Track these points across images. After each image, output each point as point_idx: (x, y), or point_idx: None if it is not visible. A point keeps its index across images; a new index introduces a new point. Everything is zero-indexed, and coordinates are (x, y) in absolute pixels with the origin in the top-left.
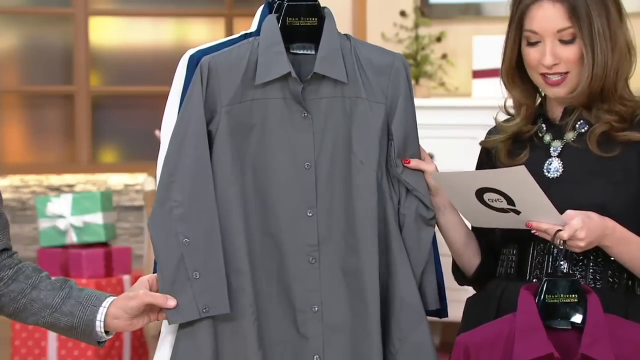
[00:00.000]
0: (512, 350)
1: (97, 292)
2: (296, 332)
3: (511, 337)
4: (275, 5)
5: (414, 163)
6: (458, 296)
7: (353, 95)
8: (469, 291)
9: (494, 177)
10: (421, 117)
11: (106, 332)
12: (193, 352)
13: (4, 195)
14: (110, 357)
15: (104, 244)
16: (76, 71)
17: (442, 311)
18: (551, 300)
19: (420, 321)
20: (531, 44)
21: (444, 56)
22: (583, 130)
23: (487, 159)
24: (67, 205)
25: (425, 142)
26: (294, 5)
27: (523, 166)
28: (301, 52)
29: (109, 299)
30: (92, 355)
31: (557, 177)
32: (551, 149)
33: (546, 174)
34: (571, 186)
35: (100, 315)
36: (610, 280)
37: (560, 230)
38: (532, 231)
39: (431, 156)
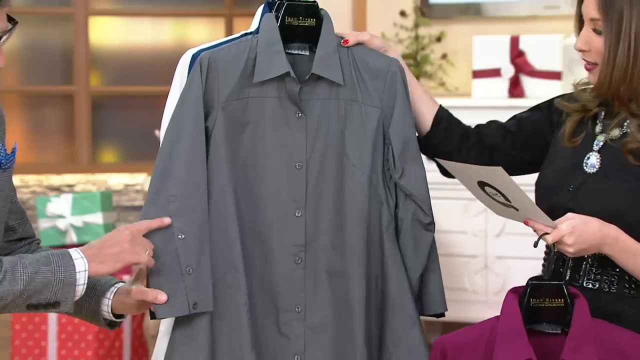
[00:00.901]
0: (493, 353)
1: (105, 278)
2: (277, 331)
3: (492, 340)
4: (275, 5)
5: (352, 38)
6: (458, 296)
7: (348, 98)
8: (469, 291)
9: (483, 173)
10: None
11: (119, 315)
12: (191, 349)
13: None
14: (110, 357)
15: None
16: (76, 71)
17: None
18: (536, 304)
19: (413, 325)
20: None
21: (444, 56)
22: (628, 131)
23: (549, 117)
24: (67, 205)
25: None
26: (293, 4)
27: (500, 167)
28: (296, 52)
29: (113, 289)
30: (92, 356)
31: (593, 172)
32: (595, 141)
33: (584, 167)
34: (599, 185)
35: (106, 307)
36: (627, 285)
37: (547, 233)
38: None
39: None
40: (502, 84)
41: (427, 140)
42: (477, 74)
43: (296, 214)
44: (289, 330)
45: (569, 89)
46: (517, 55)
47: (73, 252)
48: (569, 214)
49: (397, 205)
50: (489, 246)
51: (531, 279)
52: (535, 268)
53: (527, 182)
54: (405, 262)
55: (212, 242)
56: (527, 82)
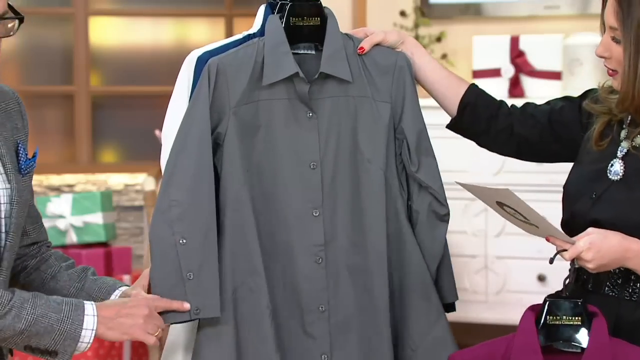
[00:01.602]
0: None
1: (110, 282)
2: (303, 332)
3: (507, 357)
4: (278, 6)
5: (366, 45)
6: (459, 296)
7: (358, 95)
8: (469, 291)
9: (496, 194)
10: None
11: None
12: (217, 354)
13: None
14: (110, 357)
15: (104, 244)
16: (76, 71)
17: (450, 306)
18: (553, 322)
19: (439, 316)
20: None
21: (444, 56)
22: None
23: (579, 115)
24: (67, 205)
25: None
26: (297, 5)
27: (508, 189)
28: (302, 52)
29: (117, 292)
30: (92, 356)
31: (616, 180)
32: (619, 148)
33: (608, 174)
34: (621, 194)
35: None
36: None
37: (564, 250)
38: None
39: None
40: (502, 84)
41: (455, 124)
42: (477, 74)
43: (314, 214)
44: (314, 330)
45: (569, 89)
46: (517, 55)
47: (88, 306)
48: (589, 229)
49: (410, 198)
50: (489, 246)
51: (549, 296)
52: (535, 268)
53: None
54: (423, 254)
55: (232, 248)
56: (527, 82)
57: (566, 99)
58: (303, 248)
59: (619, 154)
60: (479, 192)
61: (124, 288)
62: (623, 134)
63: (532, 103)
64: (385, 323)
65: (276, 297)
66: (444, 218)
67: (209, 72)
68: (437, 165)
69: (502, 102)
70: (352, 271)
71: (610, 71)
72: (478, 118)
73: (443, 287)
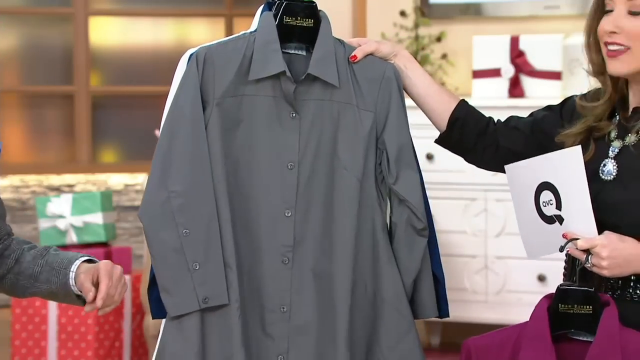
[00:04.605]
0: (518, 355)
1: (70, 254)
2: (262, 331)
3: (519, 343)
4: (275, 6)
5: (359, 53)
6: (458, 296)
7: (342, 101)
8: (469, 291)
9: (553, 161)
10: (421, 117)
11: None
12: (180, 344)
13: (4, 196)
14: (110, 357)
15: (104, 244)
16: (76, 71)
17: (443, 312)
18: (564, 310)
19: (409, 329)
20: (606, 13)
21: (444, 56)
22: None
23: (562, 124)
24: (67, 205)
25: (425, 142)
26: (292, 4)
27: (579, 147)
28: (292, 51)
29: (77, 262)
30: (92, 356)
31: (609, 180)
32: (610, 148)
33: (601, 175)
34: (617, 194)
35: (72, 280)
36: None
37: (577, 239)
38: (566, 250)
39: (430, 156)
40: (502, 84)
41: (442, 139)
42: (477, 74)
43: (286, 214)
44: (274, 331)
45: (569, 89)
46: (517, 55)
47: None
48: (606, 232)
49: (390, 210)
50: (489, 246)
51: (561, 284)
52: (535, 268)
53: None
54: (398, 266)
55: None
56: (527, 82)
57: (548, 108)
58: (271, 247)
59: (611, 154)
60: (526, 169)
61: (79, 262)
62: (612, 135)
63: (516, 116)
64: (342, 329)
65: (242, 294)
66: (422, 233)
67: (197, 60)
68: (418, 179)
69: (490, 119)
70: (317, 275)
71: (616, 49)
72: (467, 134)
73: (421, 301)
